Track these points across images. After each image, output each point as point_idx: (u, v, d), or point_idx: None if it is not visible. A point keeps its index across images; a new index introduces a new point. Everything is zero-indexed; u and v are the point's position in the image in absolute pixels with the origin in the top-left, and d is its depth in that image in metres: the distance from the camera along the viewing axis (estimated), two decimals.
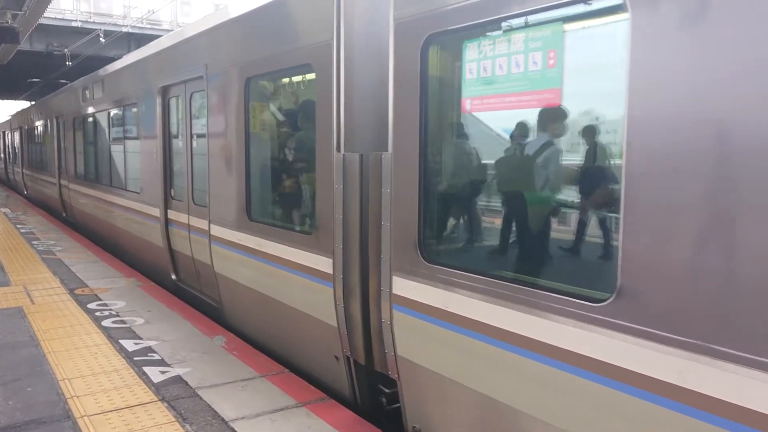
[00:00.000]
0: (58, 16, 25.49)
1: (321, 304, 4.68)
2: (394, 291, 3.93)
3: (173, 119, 7.90)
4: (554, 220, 3.58)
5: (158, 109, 7.97)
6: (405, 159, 3.74)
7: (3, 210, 18.04)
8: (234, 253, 6.07)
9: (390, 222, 3.91)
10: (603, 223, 3.12)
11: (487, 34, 3.28)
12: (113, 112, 10.64)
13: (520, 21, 3.10)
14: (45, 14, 18.41)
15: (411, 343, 3.92)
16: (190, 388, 4.84)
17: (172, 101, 7.82)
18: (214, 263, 6.61)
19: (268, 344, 5.83)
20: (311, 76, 4.75)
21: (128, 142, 9.73)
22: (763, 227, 2.19)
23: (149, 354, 5.62)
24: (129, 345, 5.84)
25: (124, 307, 7.20)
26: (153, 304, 7.38)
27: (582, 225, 3.30)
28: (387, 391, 4.46)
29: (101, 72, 11.64)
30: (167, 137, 7.97)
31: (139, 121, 9.01)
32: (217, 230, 6.43)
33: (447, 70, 3.69)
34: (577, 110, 3.24)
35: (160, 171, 8.00)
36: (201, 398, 4.65)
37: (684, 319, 2.41)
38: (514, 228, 3.64)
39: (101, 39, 25.10)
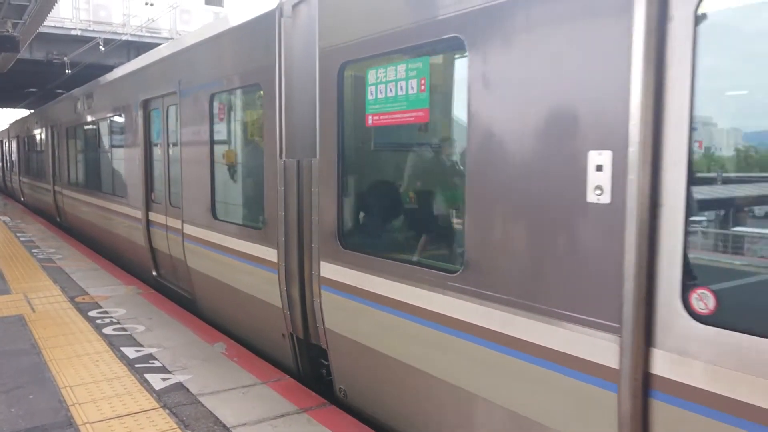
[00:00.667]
0: (57, 25, 25.55)
1: (270, 289, 5.47)
2: (322, 274, 4.77)
3: (153, 129, 8.72)
4: (426, 213, 4.56)
5: (140, 120, 8.86)
6: (327, 164, 4.63)
7: (2, 218, 18.05)
8: (203, 248, 6.91)
9: (318, 217, 4.77)
10: (456, 215, 3.95)
11: (381, 64, 4.16)
12: (101, 122, 11.54)
13: (401, 55, 3.99)
14: (45, 23, 18.50)
15: (335, 317, 4.75)
16: (192, 394, 4.86)
17: (152, 113, 8.68)
18: (187, 258, 7.40)
19: (232, 329, 6.55)
20: (261, 93, 5.63)
21: (115, 151, 10.67)
22: (544, 218, 3.05)
23: (150, 361, 5.64)
24: (130, 352, 5.87)
25: (125, 315, 7.22)
26: (153, 311, 7.40)
27: (444, 217, 4.23)
28: (326, 363, 5.15)
29: (91, 85, 12.59)
30: (148, 146, 8.80)
31: (123, 131, 9.90)
32: (189, 229, 7.30)
33: (357, 91, 4.44)
34: (439, 125, 4.22)
35: (142, 177, 8.83)
36: (202, 405, 4.67)
37: (506, 283, 3.27)
38: (401, 220, 4.75)
39: (101, 47, 25.16)
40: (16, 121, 25.75)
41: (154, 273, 8.82)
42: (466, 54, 3.43)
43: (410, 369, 4.04)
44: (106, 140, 11.44)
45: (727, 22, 2.63)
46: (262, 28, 5.53)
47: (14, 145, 24.92)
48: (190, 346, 6.06)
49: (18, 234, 14.51)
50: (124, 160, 9.90)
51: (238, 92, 6.42)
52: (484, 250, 3.40)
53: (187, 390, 4.95)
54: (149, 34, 26.96)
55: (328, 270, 4.67)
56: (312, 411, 4.59)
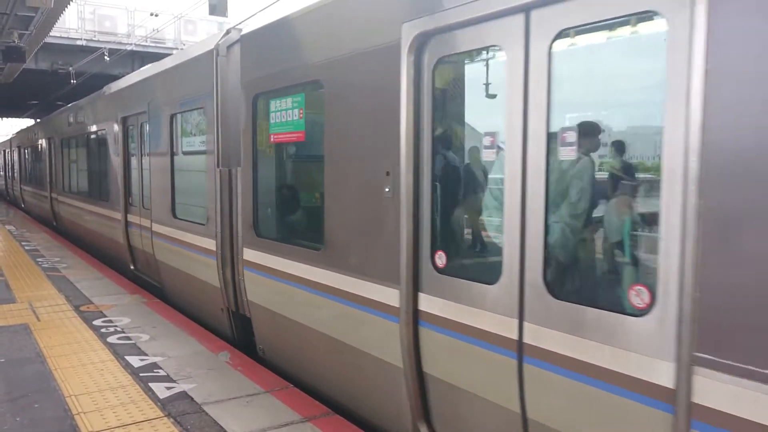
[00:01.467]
0: (63, 35, 25.72)
1: (212, 273, 6.88)
2: (244, 258, 6.16)
3: (129, 143, 10.31)
4: (307, 209, 5.83)
5: (119, 135, 10.47)
6: (246, 172, 6.08)
7: (8, 227, 18.13)
8: (166, 243, 8.31)
9: (241, 212, 6.28)
10: (321, 208, 5.02)
11: (279, 96, 5.58)
12: (90, 135, 13.10)
13: (288, 90, 5.43)
14: (50, 33, 18.65)
15: (253, 291, 6.11)
16: (196, 403, 4.88)
17: (129, 128, 10.24)
18: (155, 252, 8.84)
19: (190, 309, 7.94)
20: (204, 115, 7.16)
21: (100, 161, 12.14)
22: (364, 209, 4.43)
23: (155, 370, 5.66)
24: (135, 361, 5.89)
25: (129, 324, 7.25)
26: (158, 320, 7.43)
27: (317, 211, 5.11)
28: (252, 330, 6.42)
29: (81, 102, 14.42)
30: (126, 156, 10.39)
31: (107, 144, 11.50)
32: (156, 227, 8.73)
33: (265, 116, 5.82)
34: (313, 144, 5.29)
35: (121, 183, 10.41)
36: (207, 414, 4.69)
37: (349, 258, 4.59)
38: (292, 214, 6.08)
39: (106, 57, 25.32)
40: (18, 133, 27.50)
41: (132, 267, 10.27)
42: (323, 91, 4.85)
43: (301, 326, 5.36)
44: (93, 151, 12.94)
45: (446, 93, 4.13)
46: (204, 63, 7.03)
47: (16, 155, 26.80)
48: (194, 355, 6.09)
49: (23, 243, 14.57)
50: (107, 169, 11.51)
51: (189, 113, 7.81)
52: (332, 234, 4.83)
53: (192, 399, 4.97)
54: (154, 44, 27.12)
55: (248, 254, 6.09)
56: (316, 420, 4.61)
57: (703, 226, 2.50)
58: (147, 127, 9.05)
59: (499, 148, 3.57)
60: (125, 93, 10.38)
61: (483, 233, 4.05)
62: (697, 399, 2.54)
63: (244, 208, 6.16)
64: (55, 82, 28.60)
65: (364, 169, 4.42)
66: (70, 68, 26.62)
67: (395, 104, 4.00)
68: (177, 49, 24.97)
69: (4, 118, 53.43)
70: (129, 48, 25.81)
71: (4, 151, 31.57)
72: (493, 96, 3.68)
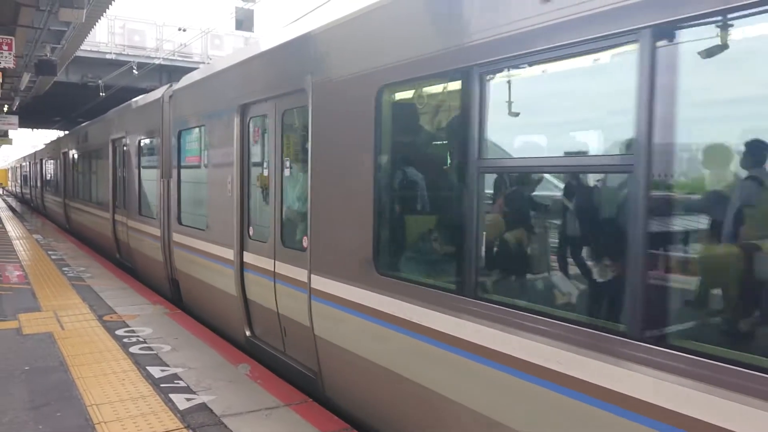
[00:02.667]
0: (93, 49, 26.29)
1: (159, 253, 9.78)
2: (173, 239, 8.97)
3: (117, 159, 13.15)
4: (199, 202, 8.34)
5: (110, 153, 13.43)
6: (174, 180, 8.90)
7: (35, 236, 18.46)
8: (136, 234, 11.35)
9: (169, 208, 9.15)
10: (207, 204, 7.84)
11: (189, 131, 8.58)
12: (93, 152, 16.05)
13: (198, 125, 8.25)
14: (81, 47, 19.07)
15: (179, 262, 8.83)
16: (215, 415, 4.88)
17: (117, 148, 13.14)
18: (129, 241, 11.81)
19: (148, 282, 10.82)
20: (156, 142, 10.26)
21: (99, 173, 15.14)
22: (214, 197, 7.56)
23: (175, 381, 5.68)
24: (155, 372, 5.92)
25: (151, 334, 7.31)
26: (179, 331, 7.48)
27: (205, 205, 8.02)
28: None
29: (86, 125, 18.14)
30: (115, 170, 13.22)
31: (101, 159, 14.61)
32: (131, 222, 11.71)
33: (185, 143, 8.76)
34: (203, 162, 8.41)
35: (111, 190, 13.28)
36: (226, 426, 4.69)
37: (215, 234, 7.36)
38: (197, 208, 8.40)
39: (134, 71, 25.81)
40: (42, 148, 32.29)
41: (117, 255, 13.17)
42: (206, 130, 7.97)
43: (194, 278, 8.30)
44: (94, 165, 15.98)
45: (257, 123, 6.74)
46: (155, 106, 10.17)
47: (38, 167, 30.88)
48: (214, 367, 6.10)
49: (49, 252, 14.82)
50: (102, 179, 14.53)
51: (148, 140, 10.93)
52: (210, 220, 7.67)
53: (211, 411, 4.97)
54: (181, 59, 27.57)
55: (175, 237, 8.89)
56: None
57: None
58: (126, 149, 12.22)
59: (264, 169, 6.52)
60: (115, 121, 13.66)
61: (264, 216, 6.46)
62: (313, 285, 5.26)
63: (172, 204, 9.05)
64: (84, 95, 29.19)
65: (222, 178, 7.17)
66: (100, 81, 27.16)
67: (232, 140, 6.88)
68: (204, 63, 25.34)
69: (35, 130, 54.59)
70: (157, 62, 26.28)
71: (29, 163, 36.64)
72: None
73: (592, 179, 3.53)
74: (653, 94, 2.69)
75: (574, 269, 3.56)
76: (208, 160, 7.76)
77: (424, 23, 4.05)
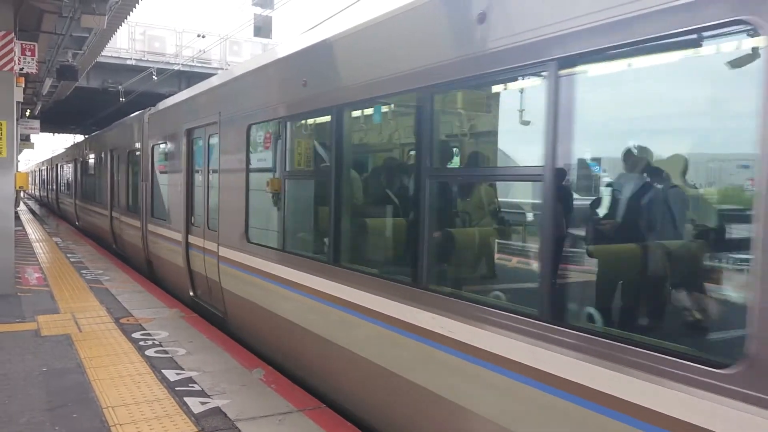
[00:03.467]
0: (114, 55, 26.65)
1: (140, 240, 12.34)
2: (148, 229, 11.75)
3: (114, 167, 15.72)
4: (164, 198, 11.06)
5: (109, 161, 16.12)
6: (149, 183, 11.66)
7: (55, 239, 18.68)
8: (127, 227, 13.82)
9: (146, 205, 11.84)
10: (171, 200, 10.75)
11: (158, 145, 11.46)
12: (94, 161, 19.33)
13: (162, 142, 11.27)
14: (102, 53, 19.33)
15: (152, 246, 11.55)
16: (229, 420, 4.89)
17: (113, 157, 15.72)
18: (122, 233, 14.53)
19: (130, 261, 13.68)
20: (138, 154, 12.82)
21: (100, 178, 18.02)
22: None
23: (190, 384, 5.71)
24: (171, 375, 5.95)
25: (167, 338, 7.35)
26: (195, 335, 7.52)
27: (169, 200, 10.77)
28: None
29: (88, 137, 23.39)
30: (109, 174, 15.94)
31: (102, 165, 17.57)
32: (123, 218, 14.33)
33: (156, 155, 11.49)
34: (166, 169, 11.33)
35: (108, 192, 15.99)
36: (240, 430, 4.70)
37: (171, 221, 10.23)
38: (161, 202, 11.07)
39: (154, 76, 26.11)
40: (57, 155, 36.60)
41: (114, 246, 15.69)
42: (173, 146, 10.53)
43: (164, 260, 10.70)
44: (96, 171, 19.06)
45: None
46: (138, 123, 12.93)
47: (53, 172, 34.68)
48: (229, 371, 6.12)
49: (68, 255, 14.99)
50: (102, 183, 17.25)
51: (133, 153, 13.41)
52: (169, 209, 10.42)
53: (225, 415, 4.99)
54: (200, 65, 27.85)
55: (149, 227, 11.59)
56: None
57: None
58: (118, 158, 15.13)
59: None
60: (110, 134, 17.20)
61: (199, 209, 8.90)
62: (221, 254, 7.94)
63: (147, 201, 11.71)
64: (105, 100, 29.57)
65: (177, 180, 9.73)
66: (120, 87, 27.49)
67: (182, 154, 9.49)
68: (222, 69, 25.56)
69: (56, 134, 55.36)
70: (176, 68, 26.55)
71: (46, 168, 40.27)
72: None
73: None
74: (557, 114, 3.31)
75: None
76: (168, 168, 10.73)
77: (262, 90, 7.15)
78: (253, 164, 7.19)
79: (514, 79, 3.96)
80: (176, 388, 5.58)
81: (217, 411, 5.07)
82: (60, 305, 9.09)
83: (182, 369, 6.16)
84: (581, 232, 3.85)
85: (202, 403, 5.22)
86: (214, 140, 8.23)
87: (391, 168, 5.67)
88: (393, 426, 4.60)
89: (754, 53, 2.56)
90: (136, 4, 13.33)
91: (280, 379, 5.91)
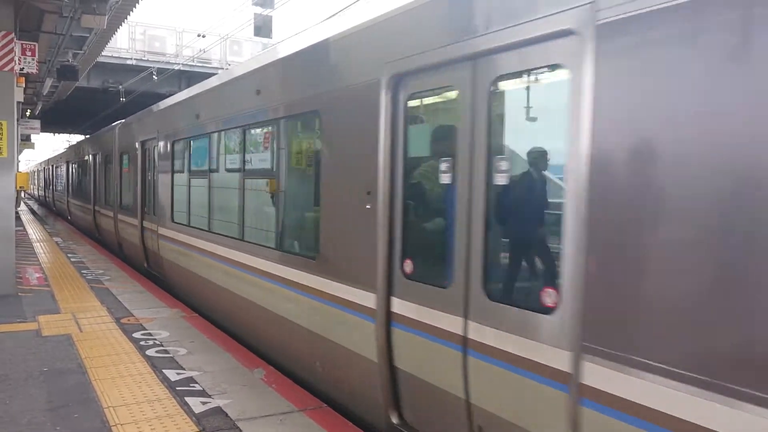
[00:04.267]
0: (114, 55, 26.63)
1: (113, 227, 15.22)
2: (118, 218, 14.61)
3: (97, 168, 18.17)
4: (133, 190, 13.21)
5: (92, 163, 18.77)
6: (117, 184, 14.84)
7: (56, 239, 18.69)
8: (105, 218, 16.39)
9: (116, 199, 15.02)
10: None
11: (126, 152, 14.00)
12: (84, 162, 21.28)
13: (126, 151, 14.17)
14: (102, 53, 19.33)
15: (121, 232, 14.46)
16: (230, 419, 4.89)
17: (96, 160, 18.23)
18: (101, 222, 17.29)
19: (109, 245, 16.18)
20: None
21: (87, 177, 20.05)
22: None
23: (191, 384, 5.71)
24: (172, 375, 5.95)
25: (168, 338, 7.35)
26: (195, 335, 7.52)
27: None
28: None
29: (80, 141, 26.51)
30: (95, 175, 18.34)
31: (87, 167, 20.11)
32: (103, 211, 16.87)
33: (123, 161, 14.14)
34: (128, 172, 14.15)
35: (92, 190, 18.63)
36: (240, 430, 4.69)
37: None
38: (130, 197, 13.71)
39: (154, 76, 26.11)
40: (52, 157, 40.39)
41: (97, 235, 18.24)
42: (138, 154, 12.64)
43: (129, 241, 13.53)
44: (82, 172, 21.78)
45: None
46: (111, 133, 15.73)
47: (49, 173, 38.37)
48: (229, 371, 6.12)
49: (69, 255, 15.00)
50: (87, 183, 19.94)
51: (109, 157, 16.05)
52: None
53: (226, 415, 4.99)
54: (200, 64, 27.83)
55: (119, 216, 14.44)
56: None
57: None
58: (98, 161, 17.84)
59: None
60: (93, 141, 20.07)
61: (149, 199, 12.12)
62: (160, 232, 11.10)
63: (119, 197, 14.52)
64: (105, 100, 29.55)
65: (135, 179, 12.60)
66: (120, 87, 27.49)
67: (138, 161, 12.33)
68: (222, 68, 25.55)
69: (56, 134, 55.37)
70: (177, 67, 26.54)
71: (45, 168, 43.21)
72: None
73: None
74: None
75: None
76: (130, 170, 13.33)
77: (176, 117, 10.18)
78: (176, 168, 10.18)
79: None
80: (177, 388, 5.58)
81: (218, 411, 5.07)
82: (61, 305, 9.09)
83: (183, 369, 6.16)
84: None
85: (203, 403, 5.22)
86: (155, 151, 11.32)
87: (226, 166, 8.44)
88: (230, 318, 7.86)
89: None
90: (137, 4, 13.31)
91: (281, 379, 5.91)
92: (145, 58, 27.85)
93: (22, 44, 11.31)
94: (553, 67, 3.31)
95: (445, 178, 3.92)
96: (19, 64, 10.98)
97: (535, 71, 3.48)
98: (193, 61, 27.53)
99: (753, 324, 2.30)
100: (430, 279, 4.04)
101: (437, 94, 4.26)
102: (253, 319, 6.96)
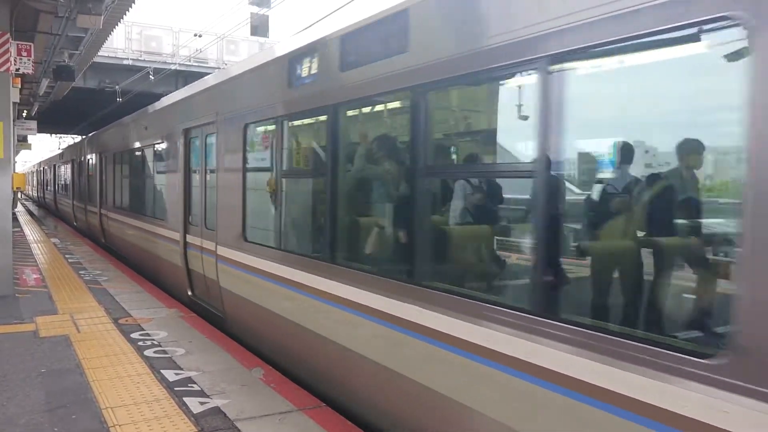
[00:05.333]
0: (110, 55, 26.56)
1: (98, 221, 17.53)
2: (102, 213, 17.53)
3: (75, 172, 22.57)
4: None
5: (70, 167, 23.53)
6: (84, 182, 21.24)
7: (53, 240, 18.65)
8: (89, 213, 19.50)
9: (91, 196, 19.12)
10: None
11: (90, 160, 18.94)
12: (62, 167, 26.88)
13: (89, 159, 18.74)
14: (99, 53, 19.29)
15: (105, 223, 16.84)
16: (229, 420, 4.88)
17: (74, 165, 22.77)
18: (88, 218, 19.68)
19: (94, 236, 18.84)
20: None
21: (67, 178, 25.04)
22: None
23: (189, 384, 5.70)
24: (170, 375, 5.94)
25: (166, 338, 7.34)
26: (194, 335, 7.50)
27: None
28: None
29: (64, 149, 33.11)
30: (74, 177, 22.62)
31: (67, 170, 25.46)
32: (88, 207, 19.84)
33: (89, 166, 19.17)
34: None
35: (72, 188, 23.37)
36: (239, 430, 4.69)
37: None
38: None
39: (150, 76, 26.04)
40: (43, 160, 44.94)
41: (75, 223, 22.80)
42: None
43: (118, 229, 14.90)
44: (65, 173, 26.03)
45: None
46: (82, 144, 22.23)
47: (41, 175, 42.97)
48: (228, 371, 6.11)
49: (66, 255, 14.96)
50: (75, 182, 23.07)
51: (81, 163, 21.37)
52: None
53: (225, 415, 4.98)
54: (197, 64, 27.77)
55: (87, 206, 19.68)
56: None
57: None
58: (74, 165, 22.68)
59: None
60: (71, 149, 23.52)
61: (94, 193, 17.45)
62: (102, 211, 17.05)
63: (85, 193, 19.75)
64: (101, 100, 29.48)
65: (95, 180, 18.16)
66: (117, 87, 27.42)
67: (97, 167, 18.07)
68: (219, 68, 25.51)
69: (53, 135, 55.24)
70: (173, 67, 26.48)
71: (40, 170, 45.84)
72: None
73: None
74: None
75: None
76: (95, 173, 17.65)
77: (115, 139, 15.35)
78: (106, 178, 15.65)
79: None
80: (175, 389, 5.57)
81: (217, 411, 5.06)
82: (58, 306, 9.06)
83: (181, 369, 6.15)
84: None
85: (202, 403, 5.21)
86: (104, 161, 16.57)
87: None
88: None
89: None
90: (132, 4, 13.28)
91: (280, 379, 5.90)
92: (142, 58, 27.78)
93: (17, 45, 11.27)
94: None
95: None
96: (15, 64, 10.94)
97: None
98: (189, 60, 27.46)
99: None
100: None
101: None
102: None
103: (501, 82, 4.06)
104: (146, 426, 4.75)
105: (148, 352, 6.71)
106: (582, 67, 3.30)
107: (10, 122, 10.12)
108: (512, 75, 3.72)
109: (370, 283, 4.62)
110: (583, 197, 3.91)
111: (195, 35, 26.89)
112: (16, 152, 35.34)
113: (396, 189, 4.85)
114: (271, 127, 6.67)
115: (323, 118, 5.39)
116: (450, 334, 3.81)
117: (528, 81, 3.45)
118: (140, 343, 7.06)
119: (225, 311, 7.73)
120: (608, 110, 3.68)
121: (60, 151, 38.08)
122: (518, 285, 4.01)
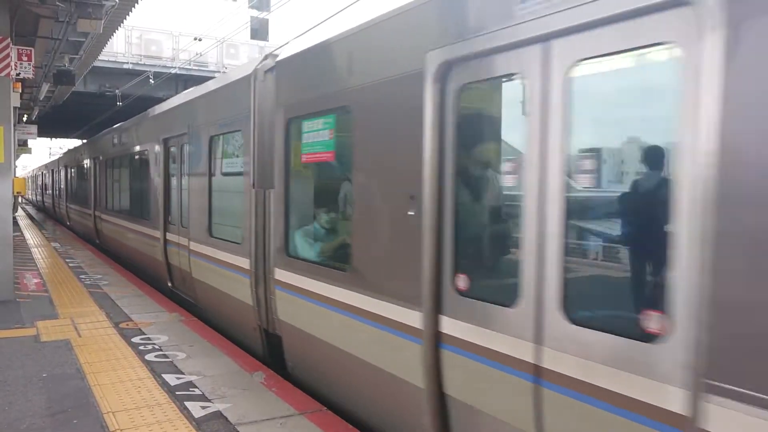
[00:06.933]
0: (110, 59, 26.62)
1: (91, 222, 18.51)
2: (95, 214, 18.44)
3: (68, 176, 24.58)
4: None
5: (62, 172, 26.05)
6: (66, 185, 26.42)
7: (54, 244, 18.65)
8: (81, 215, 21.11)
9: (85, 199, 20.37)
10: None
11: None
12: (54, 173, 30.08)
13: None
14: (99, 57, 19.33)
15: (97, 223, 18.00)
16: (230, 424, 4.88)
17: (67, 170, 24.87)
18: (79, 218, 21.73)
19: (87, 235, 19.97)
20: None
21: (59, 182, 27.76)
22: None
23: (191, 389, 5.69)
24: (171, 379, 5.94)
25: (167, 342, 7.33)
26: (195, 339, 7.50)
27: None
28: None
29: (59, 157, 32.79)
30: (68, 181, 24.38)
31: (57, 176, 29.05)
32: (78, 208, 22.10)
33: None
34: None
35: (65, 191, 25.67)
36: None
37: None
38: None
39: (151, 80, 26.08)
40: (42, 165, 47.71)
41: (67, 222, 24.29)
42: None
43: (111, 230, 15.61)
44: (57, 178, 28.15)
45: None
46: (64, 156, 30.37)
47: (40, 180, 44.67)
48: (229, 375, 6.11)
49: (67, 260, 14.96)
50: (65, 187, 25.30)
51: (69, 168, 25.09)
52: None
53: (226, 419, 4.97)
54: (197, 68, 27.82)
55: (95, 213, 18.10)
56: None
57: None
58: (62, 171, 25.67)
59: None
60: (60, 159, 26.00)
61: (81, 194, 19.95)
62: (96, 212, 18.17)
63: (70, 195, 24.17)
64: (102, 104, 29.52)
65: (76, 184, 22.58)
66: (117, 91, 27.46)
67: (88, 173, 18.64)
68: (219, 72, 25.54)
69: (53, 139, 55.28)
70: (173, 71, 26.51)
71: (38, 175, 48.06)
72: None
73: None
74: None
75: None
76: (89, 178, 18.05)
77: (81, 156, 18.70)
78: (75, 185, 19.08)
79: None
80: (177, 393, 5.56)
81: (218, 415, 5.05)
82: (59, 310, 9.06)
83: (182, 373, 6.14)
84: None
85: (203, 408, 5.20)
86: (96, 166, 17.50)
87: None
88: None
89: None
90: (133, 8, 13.31)
91: (281, 383, 5.89)
92: (142, 62, 27.81)
93: (18, 49, 11.30)
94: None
95: None
96: (15, 69, 10.97)
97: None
98: (189, 64, 27.51)
99: None
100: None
101: None
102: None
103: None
104: (147, 430, 4.74)
105: (149, 356, 6.70)
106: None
107: (10, 126, 10.13)
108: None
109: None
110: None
111: (195, 39, 26.94)
112: (17, 156, 35.43)
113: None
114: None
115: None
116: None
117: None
118: (141, 348, 7.06)
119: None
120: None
121: (56, 158, 39.54)
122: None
